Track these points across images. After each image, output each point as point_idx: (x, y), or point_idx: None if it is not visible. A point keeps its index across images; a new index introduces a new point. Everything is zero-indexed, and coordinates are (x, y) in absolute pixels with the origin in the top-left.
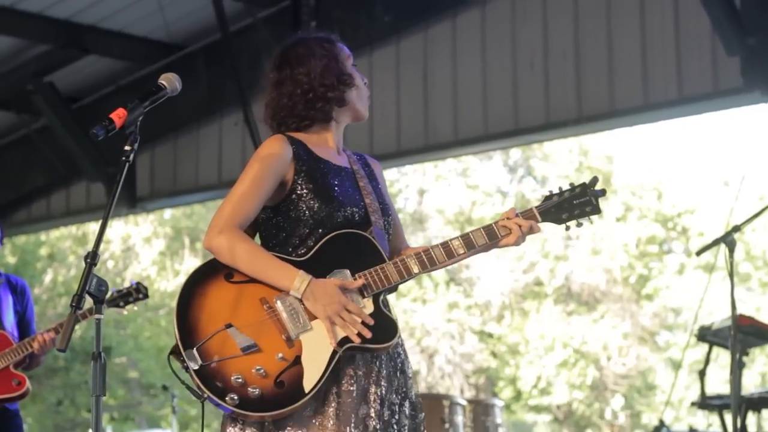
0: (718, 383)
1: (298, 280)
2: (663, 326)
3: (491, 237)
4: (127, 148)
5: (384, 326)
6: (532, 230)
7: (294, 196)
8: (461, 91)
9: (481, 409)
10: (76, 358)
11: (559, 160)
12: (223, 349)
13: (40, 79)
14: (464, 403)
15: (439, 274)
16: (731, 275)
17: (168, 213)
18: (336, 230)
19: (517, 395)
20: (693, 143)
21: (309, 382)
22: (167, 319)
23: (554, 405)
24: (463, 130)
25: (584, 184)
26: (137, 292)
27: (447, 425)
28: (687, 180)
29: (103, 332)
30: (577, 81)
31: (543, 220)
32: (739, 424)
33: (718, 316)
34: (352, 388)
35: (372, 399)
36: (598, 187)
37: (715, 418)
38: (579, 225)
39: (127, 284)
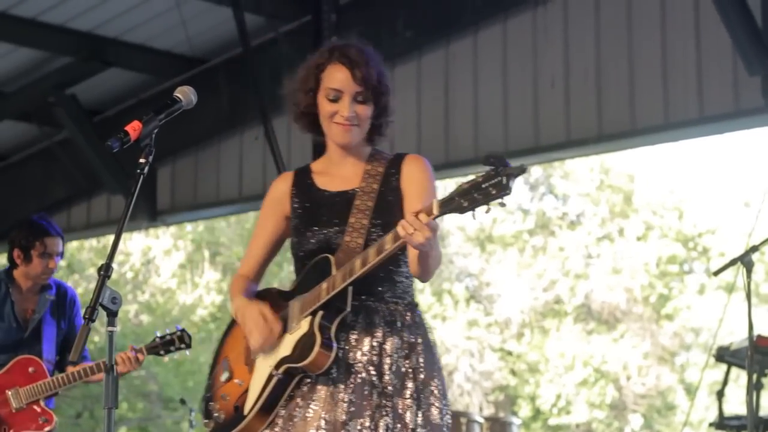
0: (738, 404)
1: (233, 307)
2: (683, 346)
3: (396, 239)
4: (141, 160)
5: (306, 346)
6: (421, 226)
7: (290, 231)
8: (482, 108)
9: (498, 427)
10: None
11: (580, 179)
12: (217, 382)
13: (62, 92)
14: (481, 420)
15: (460, 291)
16: (748, 295)
17: (189, 225)
18: (305, 256)
19: (536, 413)
20: (714, 163)
21: (248, 405)
22: None
23: (573, 424)
24: (483, 146)
25: (497, 164)
26: (180, 341)
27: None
28: (708, 200)
29: (121, 345)
30: (598, 99)
31: (441, 213)
32: None
33: (738, 336)
34: (295, 413)
35: (317, 424)
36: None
37: None
38: (488, 211)
39: (148, 296)
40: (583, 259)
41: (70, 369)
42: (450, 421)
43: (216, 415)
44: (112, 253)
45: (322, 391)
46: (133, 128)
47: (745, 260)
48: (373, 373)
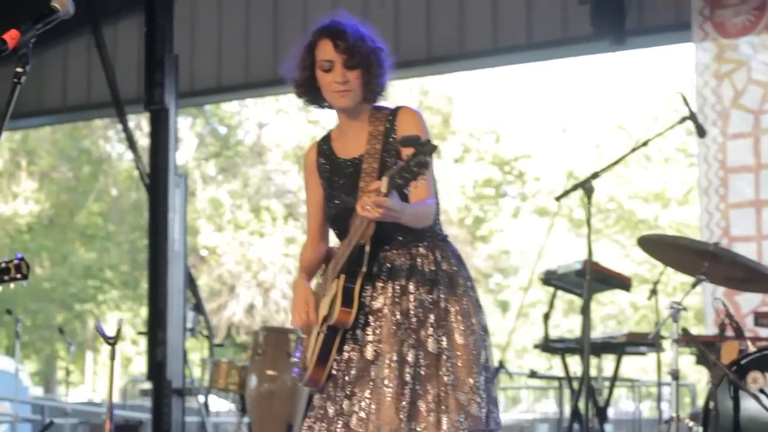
0: (552, 328)
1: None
2: (497, 269)
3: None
4: (18, 70)
5: (334, 306)
6: (373, 206)
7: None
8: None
9: None
10: None
11: (399, 99)
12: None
13: None
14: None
15: (278, 208)
16: (588, 220)
17: (4, 134)
18: (332, 222)
19: None
20: (533, 90)
21: (307, 358)
22: None
23: None
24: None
25: (416, 145)
26: (17, 270)
27: (293, 359)
28: (525, 125)
29: None
30: (428, 21)
31: (389, 191)
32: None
33: (552, 261)
34: (346, 356)
35: (351, 366)
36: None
37: (556, 361)
38: (416, 187)
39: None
40: None
41: None
42: (476, 339)
43: (301, 370)
44: None
45: (357, 336)
46: (11, 37)
47: (586, 186)
48: (397, 313)
